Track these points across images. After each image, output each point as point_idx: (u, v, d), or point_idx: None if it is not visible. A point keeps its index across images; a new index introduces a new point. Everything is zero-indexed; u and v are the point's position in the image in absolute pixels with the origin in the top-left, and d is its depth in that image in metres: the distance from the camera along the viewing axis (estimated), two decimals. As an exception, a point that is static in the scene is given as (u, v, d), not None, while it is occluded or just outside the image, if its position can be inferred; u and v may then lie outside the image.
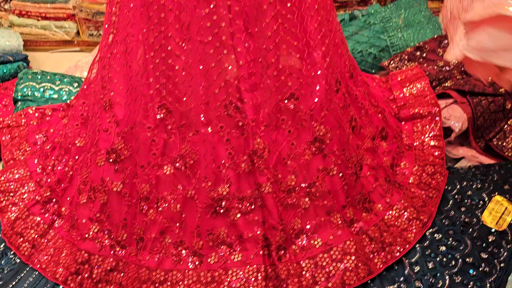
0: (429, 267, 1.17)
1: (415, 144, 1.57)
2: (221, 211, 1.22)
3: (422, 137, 1.60)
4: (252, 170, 1.21)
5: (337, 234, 1.21)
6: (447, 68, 1.94)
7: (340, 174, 1.25)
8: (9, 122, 1.72)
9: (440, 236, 1.21)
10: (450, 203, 1.34)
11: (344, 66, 1.35)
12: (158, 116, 1.23)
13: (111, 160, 1.29)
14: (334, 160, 1.25)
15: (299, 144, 1.25)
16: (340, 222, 1.23)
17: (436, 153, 1.53)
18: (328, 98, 1.24)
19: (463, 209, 1.31)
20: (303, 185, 1.24)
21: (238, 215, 1.21)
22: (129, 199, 1.29)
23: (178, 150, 1.25)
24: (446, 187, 1.36)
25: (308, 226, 1.22)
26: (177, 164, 1.25)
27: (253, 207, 1.20)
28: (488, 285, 1.12)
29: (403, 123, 1.68)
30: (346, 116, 1.32)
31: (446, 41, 2.06)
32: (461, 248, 1.18)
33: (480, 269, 1.15)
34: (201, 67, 1.17)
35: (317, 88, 1.23)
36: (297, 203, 1.23)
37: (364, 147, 1.36)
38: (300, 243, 1.23)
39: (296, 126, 1.25)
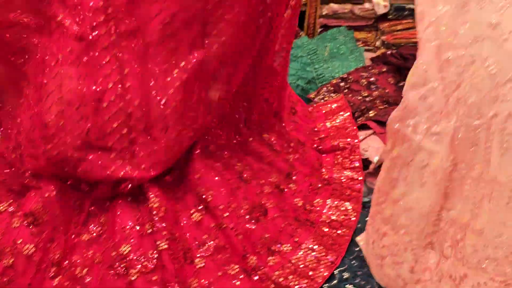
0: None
1: (334, 176, 1.57)
2: (122, 271, 1.17)
3: (342, 170, 1.60)
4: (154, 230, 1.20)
5: (236, 285, 1.18)
6: (370, 98, 1.97)
7: (231, 226, 1.25)
8: None
9: (348, 275, 1.19)
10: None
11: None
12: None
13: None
14: (221, 215, 1.25)
15: (187, 206, 1.29)
16: (238, 272, 1.20)
17: (356, 186, 1.53)
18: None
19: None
20: (196, 242, 1.24)
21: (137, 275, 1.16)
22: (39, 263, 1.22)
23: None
24: (358, 225, 1.35)
25: (206, 283, 1.19)
26: (94, 233, 1.25)
27: (152, 266, 1.16)
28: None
29: (324, 155, 1.68)
30: (230, 171, 1.34)
31: (367, 73, 2.10)
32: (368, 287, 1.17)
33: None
34: None
35: None
36: (192, 262, 1.21)
37: (266, 192, 1.37)
38: None
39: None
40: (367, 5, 2.43)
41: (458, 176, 1.04)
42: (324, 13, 2.45)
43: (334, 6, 2.43)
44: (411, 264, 1.11)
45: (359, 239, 1.31)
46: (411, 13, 2.37)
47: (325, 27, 2.51)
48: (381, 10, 2.42)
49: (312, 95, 2.09)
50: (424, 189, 1.06)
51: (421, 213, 1.07)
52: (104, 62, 1.16)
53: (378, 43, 2.55)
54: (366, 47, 2.55)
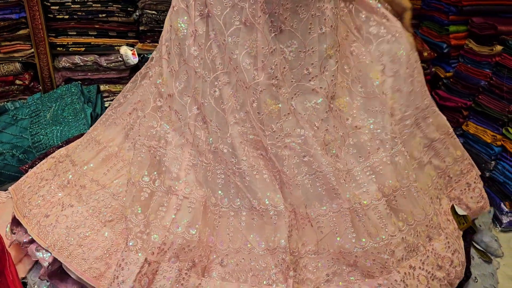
0: None
1: None
2: None
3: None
4: None
5: None
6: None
7: None
8: None
9: None
10: None
11: None
12: None
13: None
14: None
15: None
16: None
17: None
18: None
19: None
20: None
21: None
22: None
23: None
24: None
25: None
26: None
27: None
28: None
29: None
30: None
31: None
32: None
33: None
34: None
35: None
36: None
37: None
38: None
39: None
40: (113, 57, 2.15)
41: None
42: (62, 66, 2.12)
43: (73, 58, 2.11)
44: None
45: None
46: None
47: (70, 81, 2.18)
48: (131, 61, 2.16)
49: (25, 167, 1.73)
50: None
51: None
52: None
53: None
54: (126, 101, 2.28)
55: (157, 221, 1.28)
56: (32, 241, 1.39)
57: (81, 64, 2.14)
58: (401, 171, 1.34)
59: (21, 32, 2.00)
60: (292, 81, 1.29)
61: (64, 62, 2.12)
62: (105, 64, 2.15)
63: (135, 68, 2.23)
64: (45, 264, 1.32)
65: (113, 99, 2.20)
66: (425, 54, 2.05)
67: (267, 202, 1.28)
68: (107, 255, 1.31)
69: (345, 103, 1.36)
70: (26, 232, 1.43)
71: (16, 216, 1.43)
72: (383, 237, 1.26)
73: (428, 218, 1.37)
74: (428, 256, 1.34)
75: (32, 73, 2.13)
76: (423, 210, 1.35)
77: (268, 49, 1.22)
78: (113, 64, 2.16)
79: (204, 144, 1.34)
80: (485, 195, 1.61)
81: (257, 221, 1.28)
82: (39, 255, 1.35)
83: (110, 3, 2.04)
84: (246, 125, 1.29)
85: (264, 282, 1.24)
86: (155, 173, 1.35)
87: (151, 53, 2.16)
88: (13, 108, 1.98)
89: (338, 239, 1.28)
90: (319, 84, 1.29)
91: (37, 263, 1.46)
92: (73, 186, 1.45)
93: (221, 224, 1.32)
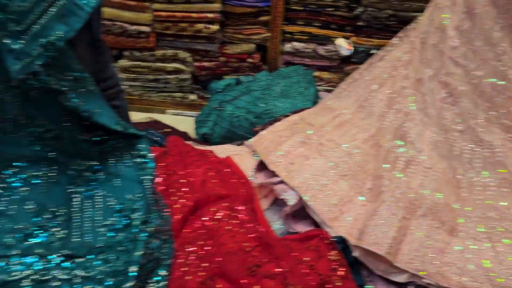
0: None
1: None
2: None
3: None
4: None
5: None
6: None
7: None
8: None
9: None
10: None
11: None
12: None
13: None
14: None
15: None
16: None
17: None
18: None
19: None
20: None
21: None
22: None
23: None
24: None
25: None
26: None
27: None
28: None
29: None
30: None
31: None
32: None
33: None
34: None
35: None
36: None
37: None
38: None
39: None
40: (330, 47, 2.42)
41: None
42: (285, 50, 2.45)
43: (296, 44, 2.43)
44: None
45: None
46: (375, 58, 2.36)
47: (288, 64, 2.51)
48: (344, 53, 2.41)
49: (258, 128, 2.07)
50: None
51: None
52: None
53: (343, 85, 2.53)
54: (330, 88, 2.54)
55: (405, 182, 1.46)
56: (277, 183, 1.69)
57: (302, 50, 2.45)
58: None
59: (261, 18, 2.38)
60: None
61: (288, 47, 2.45)
62: (322, 52, 2.43)
63: (345, 59, 2.48)
64: (291, 203, 1.60)
65: (320, 84, 2.49)
66: None
67: None
68: (342, 203, 1.54)
69: None
70: (266, 177, 1.74)
71: (264, 162, 1.74)
72: None
73: None
74: None
75: (260, 54, 2.50)
76: None
77: None
78: (328, 53, 2.43)
79: (451, 123, 1.50)
80: None
81: (507, 191, 1.40)
82: (286, 195, 1.63)
83: (340, -1, 2.31)
84: (501, 111, 1.43)
85: None
86: (401, 141, 1.54)
87: (363, 47, 2.40)
88: (246, 81, 2.36)
89: None
90: None
91: (272, 204, 1.75)
92: (312, 143, 1.72)
93: (465, 194, 1.46)
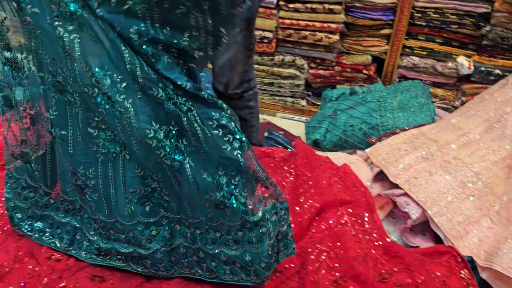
0: None
1: None
2: None
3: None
4: None
5: None
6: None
7: None
8: None
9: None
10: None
11: None
12: None
13: None
14: None
15: None
16: None
17: None
18: None
19: None
20: None
21: None
22: None
23: None
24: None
25: None
26: None
27: None
28: None
29: None
30: None
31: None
32: None
33: None
34: None
35: None
36: None
37: None
38: None
39: None
40: (450, 64, 2.39)
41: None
42: (403, 64, 2.45)
43: (415, 59, 2.42)
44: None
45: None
46: (497, 78, 2.29)
47: (403, 78, 2.51)
48: (464, 71, 2.37)
49: (373, 139, 2.10)
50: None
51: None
52: None
53: (457, 103, 2.49)
54: (444, 105, 2.51)
55: None
56: (399, 195, 1.70)
57: (420, 65, 2.44)
58: None
59: (382, 31, 2.40)
60: None
61: (406, 61, 2.45)
62: (440, 69, 2.41)
63: (462, 78, 2.43)
64: (414, 217, 1.61)
65: (434, 100, 2.46)
66: None
67: None
68: (467, 222, 1.53)
69: None
70: (383, 188, 1.76)
71: (386, 173, 1.77)
72: None
73: None
74: None
75: (376, 66, 2.52)
76: None
77: None
78: (447, 70, 2.40)
79: None
80: None
81: None
82: (409, 208, 1.64)
83: (466, 17, 2.27)
84: None
85: None
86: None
87: (484, 67, 2.34)
88: (361, 91, 2.39)
89: None
90: None
91: (387, 216, 1.77)
92: (436, 159, 1.72)
93: None
